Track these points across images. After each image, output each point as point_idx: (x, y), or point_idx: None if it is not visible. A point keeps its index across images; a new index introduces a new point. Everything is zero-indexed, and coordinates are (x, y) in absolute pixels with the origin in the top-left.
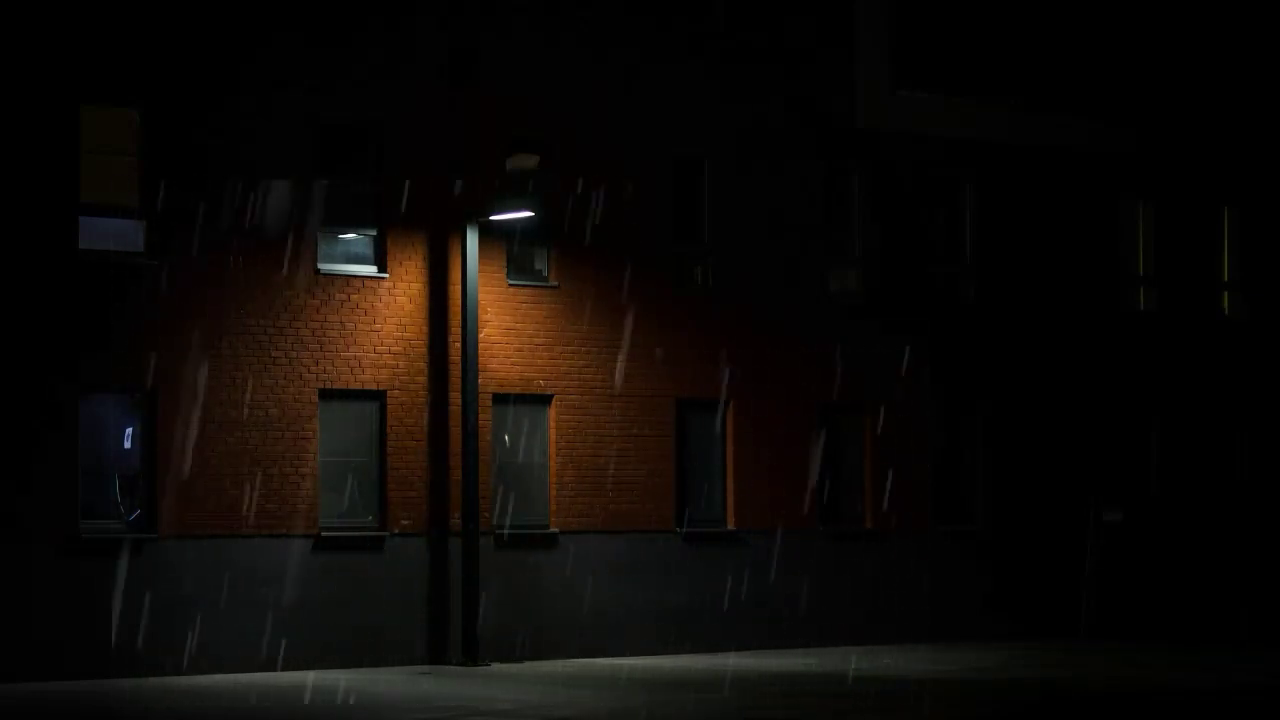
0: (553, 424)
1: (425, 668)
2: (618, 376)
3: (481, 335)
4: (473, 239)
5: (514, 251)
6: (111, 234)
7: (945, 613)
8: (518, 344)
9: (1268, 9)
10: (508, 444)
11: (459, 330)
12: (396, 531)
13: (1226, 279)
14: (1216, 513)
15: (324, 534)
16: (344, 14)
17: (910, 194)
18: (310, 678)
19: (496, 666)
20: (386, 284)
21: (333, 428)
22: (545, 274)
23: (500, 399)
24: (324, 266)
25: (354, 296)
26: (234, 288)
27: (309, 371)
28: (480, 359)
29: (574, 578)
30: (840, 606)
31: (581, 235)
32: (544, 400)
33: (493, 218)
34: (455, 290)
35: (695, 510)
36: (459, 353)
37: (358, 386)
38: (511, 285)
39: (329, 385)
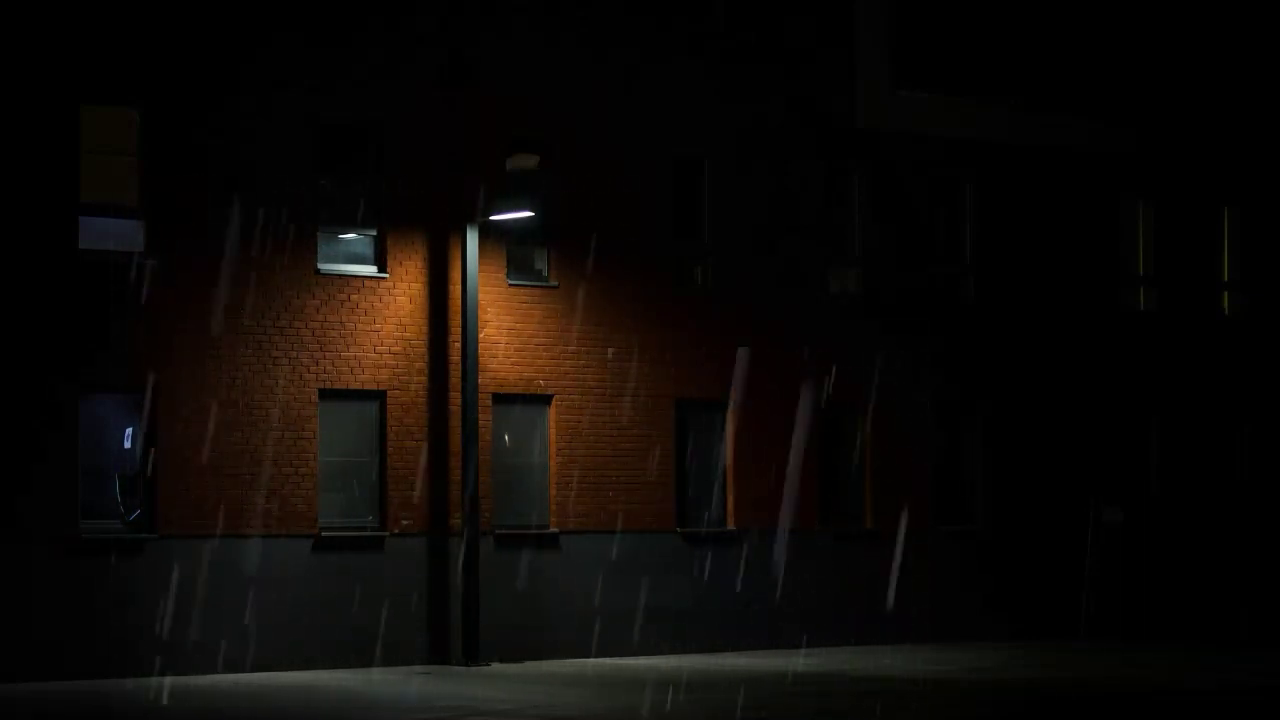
0: (553, 424)
1: (425, 668)
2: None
3: (481, 335)
4: (473, 239)
5: (513, 251)
6: (111, 234)
7: (945, 613)
8: (518, 344)
9: (1268, 9)
10: (508, 444)
11: (459, 330)
12: (396, 531)
13: (1226, 279)
14: (1217, 512)
15: (324, 534)
16: (344, 14)
17: (910, 194)
18: (310, 677)
19: (496, 666)
20: (386, 284)
21: (333, 428)
22: (545, 274)
23: (500, 399)
24: (324, 266)
25: (354, 296)
26: (234, 288)
27: (309, 371)
28: (480, 359)
29: (574, 578)
30: (840, 606)
31: (581, 235)
32: (544, 400)
33: (493, 218)
34: (455, 290)
35: (695, 510)
36: (459, 353)
37: (358, 386)
38: (511, 285)
39: (329, 385)
